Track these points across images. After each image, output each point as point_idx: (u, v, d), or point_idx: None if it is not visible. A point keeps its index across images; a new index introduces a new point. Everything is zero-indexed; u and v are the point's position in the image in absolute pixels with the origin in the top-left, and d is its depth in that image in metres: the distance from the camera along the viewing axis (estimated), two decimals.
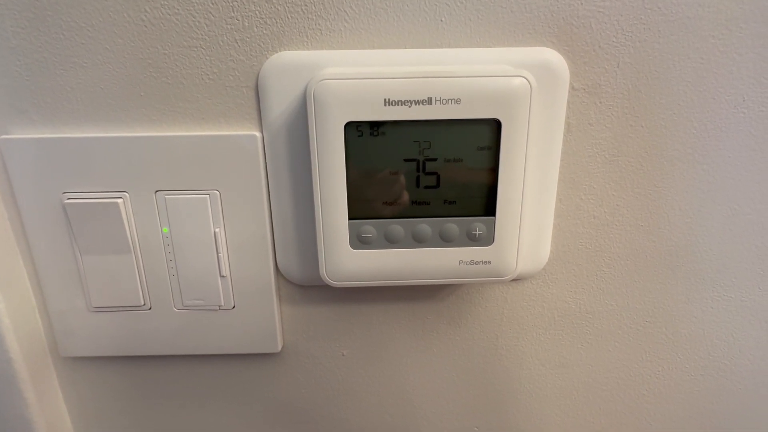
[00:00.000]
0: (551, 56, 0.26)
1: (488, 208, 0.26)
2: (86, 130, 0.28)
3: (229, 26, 0.26)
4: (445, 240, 0.27)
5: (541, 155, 0.28)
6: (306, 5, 0.26)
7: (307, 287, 0.32)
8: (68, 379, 0.35)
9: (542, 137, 0.28)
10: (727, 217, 0.31)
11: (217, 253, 0.30)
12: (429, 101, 0.24)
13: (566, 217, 0.31)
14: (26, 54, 0.26)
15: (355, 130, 0.25)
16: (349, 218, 0.26)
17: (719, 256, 0.32)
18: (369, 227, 0.26)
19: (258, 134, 0.28)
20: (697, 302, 0.34)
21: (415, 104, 0.24)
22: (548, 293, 0.33)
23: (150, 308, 0.31)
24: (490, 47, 0.27)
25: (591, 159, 0.29)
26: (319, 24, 0.26)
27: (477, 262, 0.27)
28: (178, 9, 0.26)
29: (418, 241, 0.27)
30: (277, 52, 0.27)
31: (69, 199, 0.28)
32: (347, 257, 0.27)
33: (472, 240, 0.27)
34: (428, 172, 0.26)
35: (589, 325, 0.34)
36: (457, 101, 0.24)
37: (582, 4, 0.26)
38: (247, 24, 0.26)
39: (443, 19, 0.26)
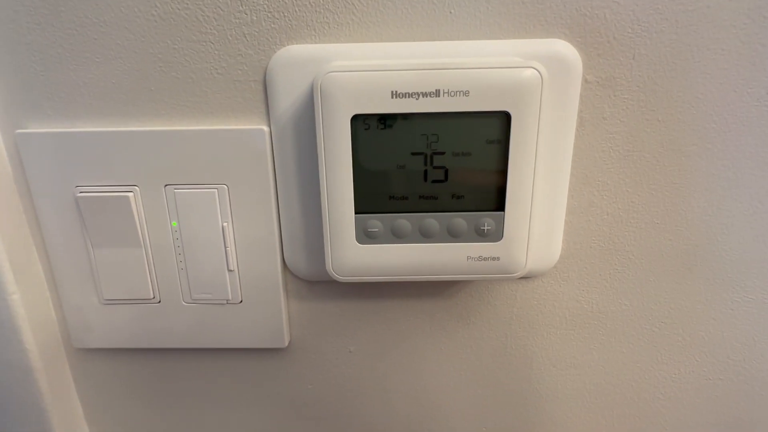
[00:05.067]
0: (563, 48, 0.26)
1: (497, 202, 0.26)
2: (98, 124, 0.29)
3: (237, 20, 0.26)
4: (453, 235, 0.26)
5: (552, 150, 0.27)
6: None
7: (315, 283, 0.32)
8: (80, 370, 0.36)
9: (554, 131, 0.27)
10: (748, 215, 0.30)
11: (225, 247, 0.30)
12: (437, 93, 0.23)
13: (578, 213, 0.30)
14: (41, 50, 0.27)
15: (362, 123, 0.24)
16: (356, 212, 0.26)
17: (740, 256, 0.31)
18: (375, 221, 0.26)
19: (266, 128, 0.28)
20: (716, 303, 0.32)
21: (423, 96, 0.24)
22: (559, 292, 0.32)
23: (159, 301, 0.32)
24: (501, 39, 0.26)
25: (605, 154, 0.29)
26: (326, 17, 0.26)
27: (485, 258, 0.26)
28: (187, 4, 0.26)
29: (425, 236, 0.26)
30: (284, 46, 0.27)
31: (81, 192, 0.29)
32: (353, 252, 0.27)
33: (481, 235, 0.26)
34: (436, 166, 0.25)
35: (601, 326, 0.33)
36: (466, 93, 0.23)
37: None
38: (255, 18, 0.26)
39: (452, 11, 0.26)
